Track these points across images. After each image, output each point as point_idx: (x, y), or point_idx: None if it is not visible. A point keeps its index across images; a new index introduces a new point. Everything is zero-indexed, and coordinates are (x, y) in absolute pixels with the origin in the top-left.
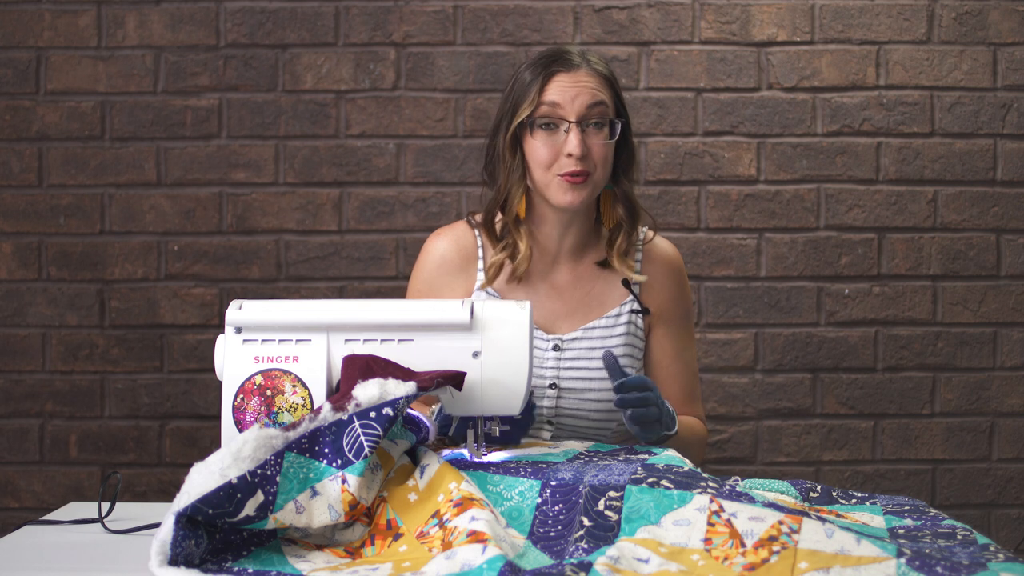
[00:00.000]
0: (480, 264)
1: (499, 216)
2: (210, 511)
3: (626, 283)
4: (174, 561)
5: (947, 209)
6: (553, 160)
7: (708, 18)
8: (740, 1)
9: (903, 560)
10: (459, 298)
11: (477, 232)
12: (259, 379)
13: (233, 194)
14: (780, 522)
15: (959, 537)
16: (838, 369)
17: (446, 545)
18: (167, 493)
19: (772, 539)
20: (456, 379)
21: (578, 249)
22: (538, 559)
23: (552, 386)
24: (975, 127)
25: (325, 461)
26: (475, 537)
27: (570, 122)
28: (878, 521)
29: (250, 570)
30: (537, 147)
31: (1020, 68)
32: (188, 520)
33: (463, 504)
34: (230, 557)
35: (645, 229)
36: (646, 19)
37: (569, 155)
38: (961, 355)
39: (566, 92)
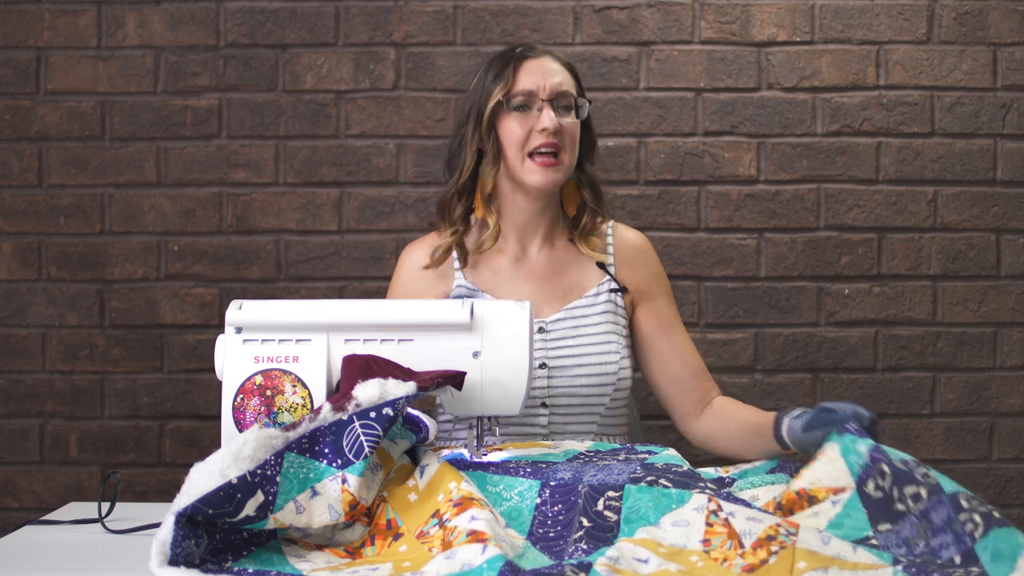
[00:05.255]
0: (456, 264)
1: (457, 205)
2: (210, 511)
3: (601, 264)
4: (174, 561)
5: (947, 209)
6: (526, 138)
7: (708, 18)
8: (740, 1)
9: (899, 567)
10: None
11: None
12: (259, 379)
13: (233, 194)
14: (778, 524)
15: (919, 477)
16: (838, 369)
17: (446, 545)
18: (167, 493)
19: (770, 539)
20: (456, 379)
21: (549, 235)
22: (537, 559)
23: (542, 366)
24: (975, 127)
25: (325, 461)
26: (475, 537)
27: (543, 100)
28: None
29: (250, 570)
30: (512, 127)
31: (1020, 68)
32: (188, 520)
33: (463, 504)
34: (230, 557)
35: (612, 223)
36: (646, 19)
37: (543, 130)
38: (961, 355)
39: (536, 74)
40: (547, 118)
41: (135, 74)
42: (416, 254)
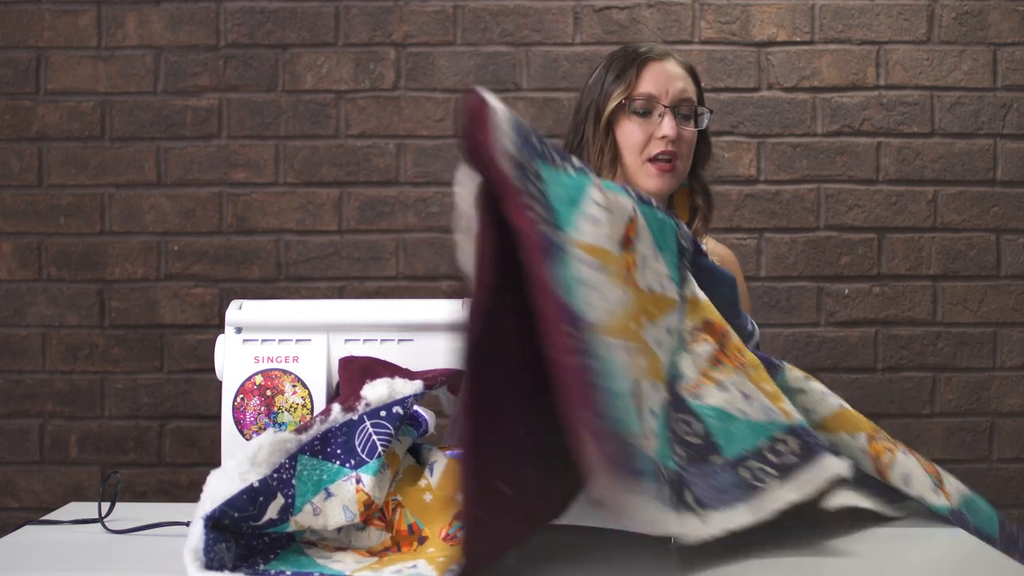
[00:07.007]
0: None
1: None
2: (236, 514)
3: None
4: (210, 566)
5: (947, 209)
6: (645, 144)
7: (708, 18)
8: (740, 1)
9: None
10: None
11: None
12: (259, 379)
13: (233, 194)
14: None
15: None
16: (838, 369)
17: None
18: (167, 493)
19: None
20: (456, 377)
21: None
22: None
23: None
24: (975, 127)
25: (337, 462)
26: None
27: (665, 107)
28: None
29: (288, 572)
30: (632, 131)
31: (1020, 68)
32: (214, 525)
33: None
34: (260, 560)
35: (705, 236)
36: (646, 19)
37: (663, 137)
38: (961, 355)
39: (660, 79)
40: (667, 126)
41: (135, 74)
42: None
